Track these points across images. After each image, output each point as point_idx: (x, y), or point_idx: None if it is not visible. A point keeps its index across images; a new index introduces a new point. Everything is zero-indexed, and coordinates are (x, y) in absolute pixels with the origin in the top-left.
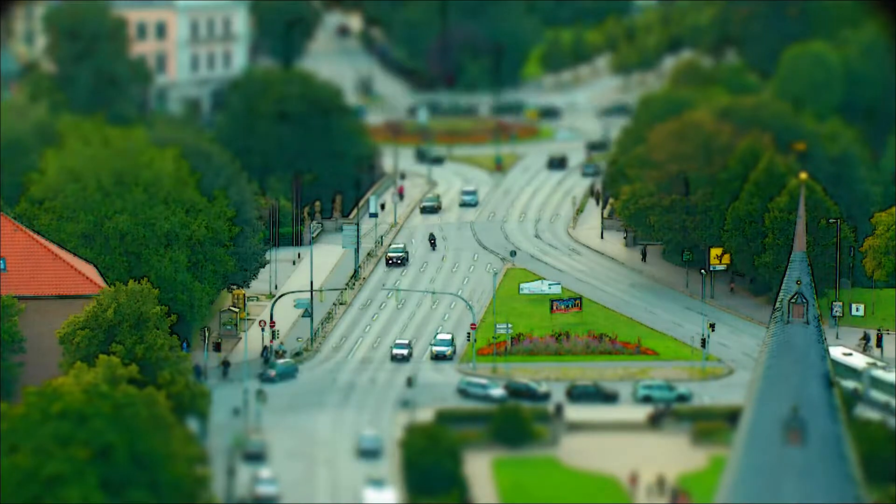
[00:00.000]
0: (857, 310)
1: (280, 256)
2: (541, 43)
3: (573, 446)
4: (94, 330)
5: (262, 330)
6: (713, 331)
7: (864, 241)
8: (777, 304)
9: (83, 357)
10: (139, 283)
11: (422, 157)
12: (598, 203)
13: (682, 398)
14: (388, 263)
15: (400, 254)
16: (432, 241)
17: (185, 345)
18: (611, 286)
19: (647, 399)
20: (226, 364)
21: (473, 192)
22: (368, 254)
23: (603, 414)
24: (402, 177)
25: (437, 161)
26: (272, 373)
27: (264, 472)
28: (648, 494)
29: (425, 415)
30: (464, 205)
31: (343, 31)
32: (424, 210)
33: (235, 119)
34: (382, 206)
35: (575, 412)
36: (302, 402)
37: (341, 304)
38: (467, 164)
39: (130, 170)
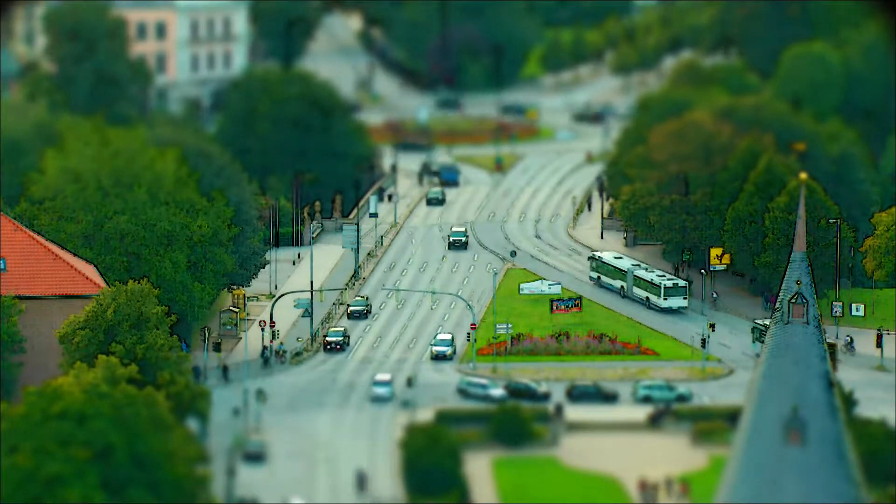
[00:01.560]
0: (857, 310)
1: (280, 256)
2: (541, 43)
3: (573, 446)
4: (94, 330)
5: (262, 330)
6: (713, 331)
7: (864, 241)
8: (777, 304)
9: (83, 357)
10: (139, 283)
11: (427, 171)
12: (590, 209)
13: (682, 398)
14: (325, 349)
15: (339, 338)
16: None
17: (184, 345)
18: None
19: (647, 399)
20: (225, 368)
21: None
22: (369, 253)
23: (603, 414)
24: (394, 169)
25: (436, 174)
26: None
27: (295, 499)
28: (651, 496)
29: (425, 415)
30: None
31: None
32: (352, 316)
33: (235, 119)
34: (389, 198)
35: (575, 412)
36: (302, 402)
37: (341, 304)
38: (467, 164)
39: (130, 170)
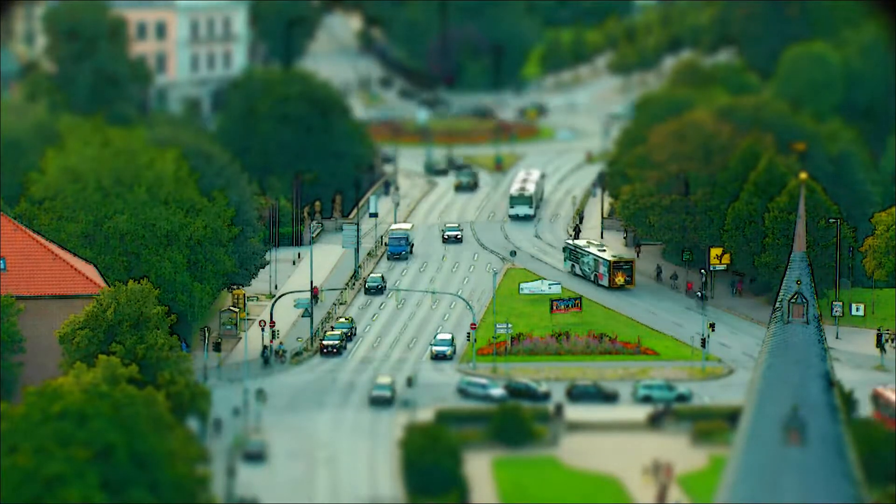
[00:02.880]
0: (857, 310)
1: (280, 256)
2: (541, 43)
3: (573, 446)
4: (94, 330)
5: (262, 330)
6: (713, 331)
7: (864, 241)
8: (777, 304)
9: (83, 357)
10: (139, 283)
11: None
12: (581, 222)
13: (682, 398)
14: (322, 352)
15: (336, 342)
16: None
17: (184, 345)
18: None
19: (647, 399)
20: (217, 422)
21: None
22: (369, 253)
23: (603, 414)
24: (383, 162)
25: (442, 172)
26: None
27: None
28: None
29: (425, 415)
30: None
31: None
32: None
33: (235, 119)
34: (396, 189)
35: (575, 412)
36: (302, 402)
37: (341, 304)
38: (467, 164)
39: (130, 170)
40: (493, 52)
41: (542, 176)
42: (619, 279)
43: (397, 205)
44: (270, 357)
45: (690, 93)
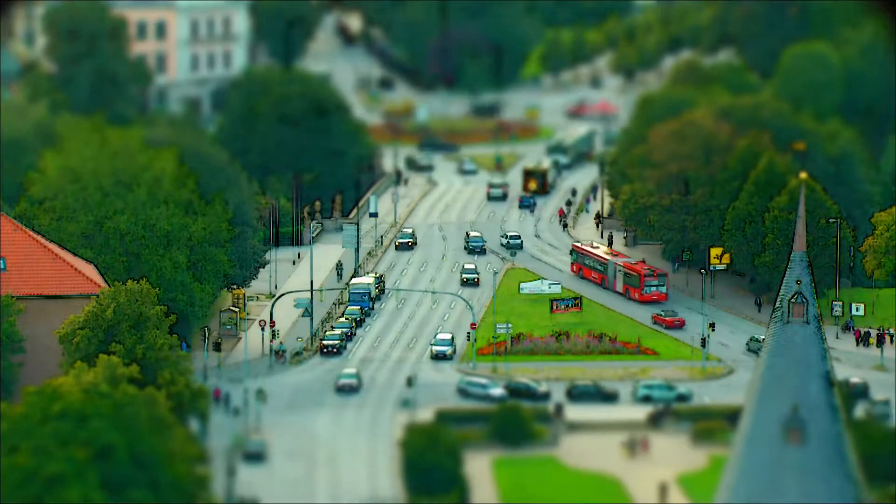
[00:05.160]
0: (857, 310)
1: (280, 256)
2: (541, 43)
3: (573, 446)
4: (94, 330)
5: (262, 330)
6: (713, 331)
7: (864, 241)
8: (777, 304)
9: (83, 357)
10: (139, 283)
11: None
12: (563, 228)
13: (682, 398)
14: (322, 352)
15: (336, 341)
16: None
17: (184, 345)
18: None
19: (647, 399)
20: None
21: None
22: (369, 252)
23: (603, 414)
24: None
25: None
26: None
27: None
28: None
29: (425, 415)
30: None
31: (344, 32)
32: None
33: (235, 119)
34: (405, 182)
35: (575, 412)
36: (302, 402)
37: (341, 303)
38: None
39: (130, 170)
40: (493, 52)
41: (594, 132)
42: (532, 185)
43: (396, 204)
44: (270, 358)
45: (690, 93)
